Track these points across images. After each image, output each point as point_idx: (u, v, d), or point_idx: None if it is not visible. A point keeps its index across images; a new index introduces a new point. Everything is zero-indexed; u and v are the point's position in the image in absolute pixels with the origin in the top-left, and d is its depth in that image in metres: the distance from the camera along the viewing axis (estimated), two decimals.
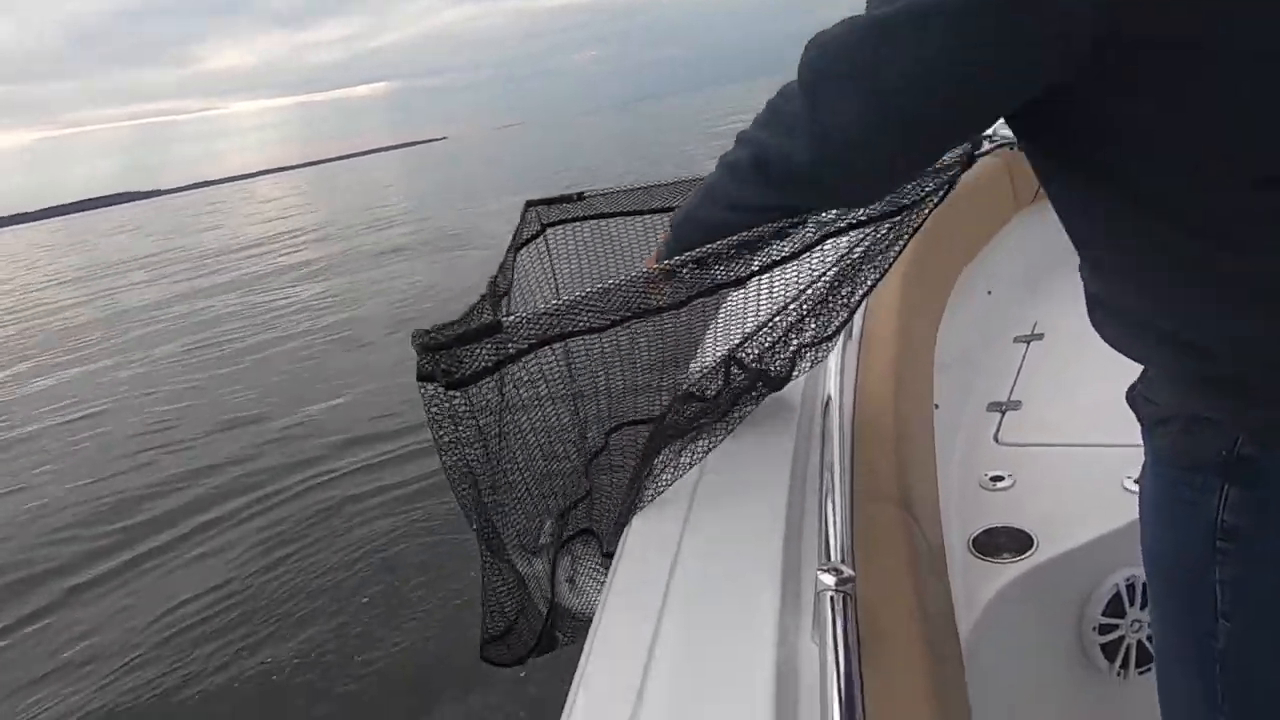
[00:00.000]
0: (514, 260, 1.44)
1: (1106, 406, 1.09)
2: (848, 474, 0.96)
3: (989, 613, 1.33)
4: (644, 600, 0.83)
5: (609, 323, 0.99)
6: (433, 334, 0.90)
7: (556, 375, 1.08)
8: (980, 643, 1.27)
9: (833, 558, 0.79)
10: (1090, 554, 1.39)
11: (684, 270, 0.92)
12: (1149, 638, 1.40)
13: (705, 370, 1.14)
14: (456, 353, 0.89)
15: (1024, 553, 1.40)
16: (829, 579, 0.73)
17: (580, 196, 1.53)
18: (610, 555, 1.13)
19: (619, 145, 42.43)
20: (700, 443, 1.13)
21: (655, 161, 27.80)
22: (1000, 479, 1.62)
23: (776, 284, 1.10)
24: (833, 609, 0.70)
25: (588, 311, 0.97)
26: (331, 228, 24.98)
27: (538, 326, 0.95)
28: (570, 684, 0.78)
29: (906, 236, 1.05)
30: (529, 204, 1.54)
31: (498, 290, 1.33)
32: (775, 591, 0.79)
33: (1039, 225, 2.60)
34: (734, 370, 1.17)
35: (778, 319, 1.12)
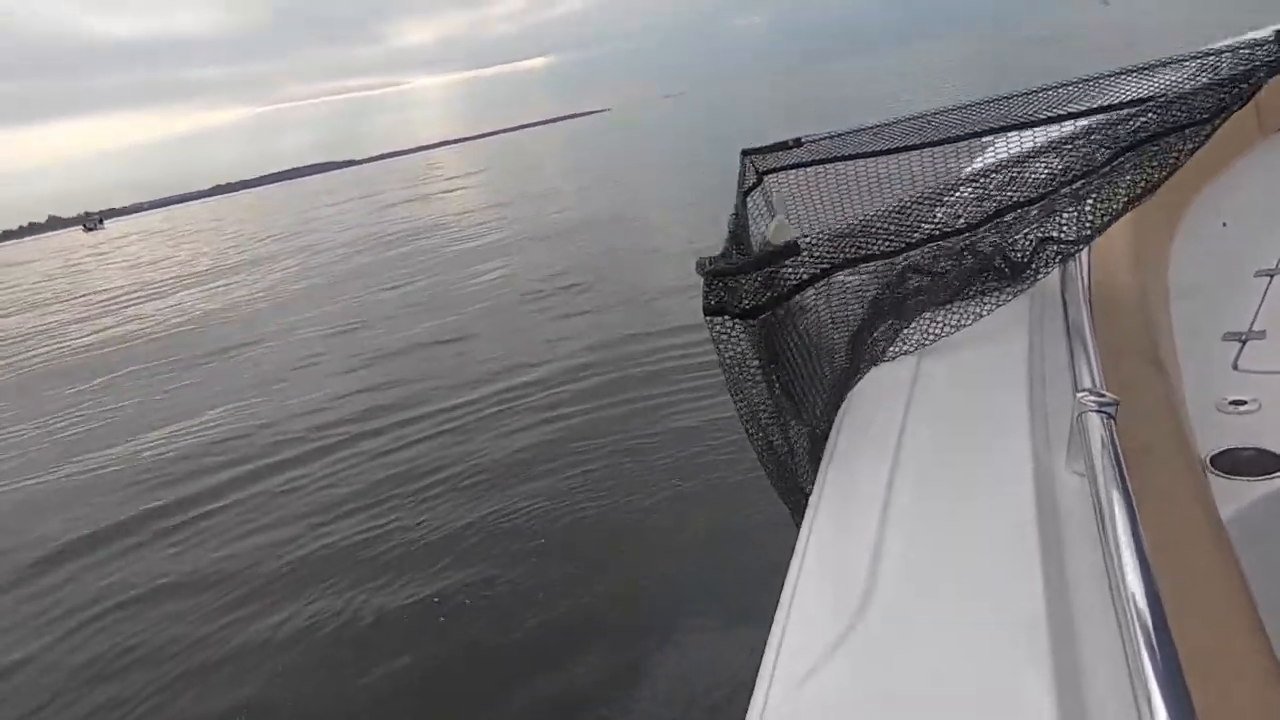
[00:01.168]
0: (744, 207, 1.44)
1: None
2: (1092, 328, 0.91)
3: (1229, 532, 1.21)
4: (878, 436, 0.82)
5: (903, 246, 0.96)
6: (719, 260, 0.91)
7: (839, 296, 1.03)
8: None
9: (1091, 383, 0.75)
10: None
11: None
12: None
13: (939, 247, 1.10)
14: (742, 281, 0.89)
15: (1274, 473, 1.27)
16: (1091, 400, 0.70)
17: (797, 143, 1.50)
18: None
19: (779, 113, 41.86)
20: (924, 323, 1.10)
21: (817, 124, 27.16)
22: (1241, 403, 1.49)
23: (1038, 167, 1.02)
24: (1098, 428, 0.67)
25: (881, 237, 0.93)
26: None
27: (833, 249, 0.93)
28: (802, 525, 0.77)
29: (1190, 145, 0.92)
30: (744, 153, 1.53)
31: (739, 237, 1.33)
32: (1024, 423, 0.77)
33: None
34: (967, 256, 1.12)
35: (1032, 207, 1.06)
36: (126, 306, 16.37)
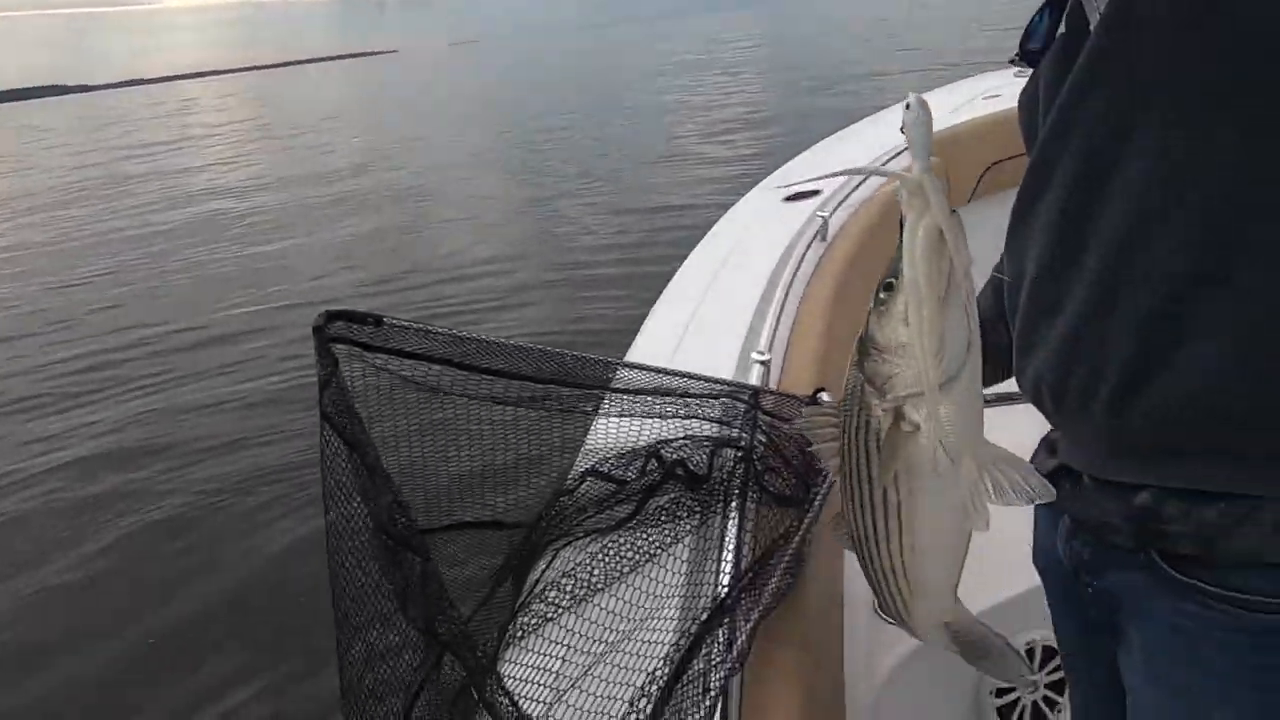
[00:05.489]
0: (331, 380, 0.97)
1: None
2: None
3: (893, 678, 1.39)
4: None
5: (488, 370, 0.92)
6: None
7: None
8: (883, 707, 1.35)
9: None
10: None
11: None
12: (1045, 699, 1.47)
13: (615, 454, 1.09)
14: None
15: None
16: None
17: (379, 321, 1.03)
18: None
19: (575, 72, 43.27)
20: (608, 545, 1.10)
21: (602, 95, 27.47)
22: None
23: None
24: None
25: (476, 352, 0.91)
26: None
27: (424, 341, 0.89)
28: None
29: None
30: (316, 330, 1.02)
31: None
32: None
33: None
34: (651, 464, 1.13)
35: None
36: None
